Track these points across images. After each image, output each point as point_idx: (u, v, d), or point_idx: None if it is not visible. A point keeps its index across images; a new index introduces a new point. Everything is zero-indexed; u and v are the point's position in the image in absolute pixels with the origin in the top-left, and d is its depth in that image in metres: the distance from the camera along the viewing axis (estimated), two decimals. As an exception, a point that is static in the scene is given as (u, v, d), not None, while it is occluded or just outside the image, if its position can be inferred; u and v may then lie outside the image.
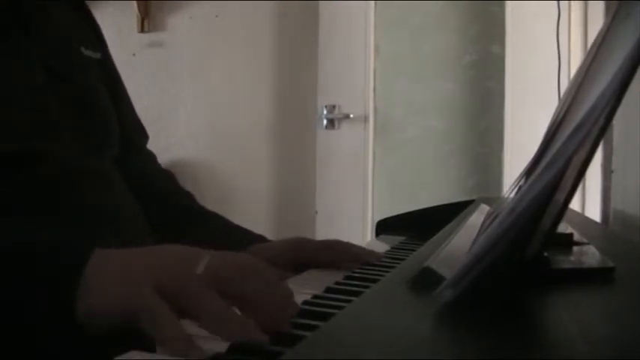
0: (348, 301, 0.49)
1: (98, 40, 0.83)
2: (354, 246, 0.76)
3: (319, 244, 0.77)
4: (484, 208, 0.84)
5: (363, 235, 2.13)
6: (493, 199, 0.97)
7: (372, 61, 2.22)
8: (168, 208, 0.84)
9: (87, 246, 0.47)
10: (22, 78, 0.63)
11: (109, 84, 0.81)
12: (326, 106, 2.24)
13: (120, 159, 0.78)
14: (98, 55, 0.79)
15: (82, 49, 0.75)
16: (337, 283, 0.60)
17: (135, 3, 2.49)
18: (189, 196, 0.89)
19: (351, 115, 2.21)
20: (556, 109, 0.63)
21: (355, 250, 0.75)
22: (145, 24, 2.53)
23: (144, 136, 0.91)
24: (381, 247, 0.84)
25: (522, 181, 0.63)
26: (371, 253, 0.75)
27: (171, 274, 0.44)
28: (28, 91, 0.63)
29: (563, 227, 0.60)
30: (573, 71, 1.79)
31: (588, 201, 1.82)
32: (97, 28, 0.84)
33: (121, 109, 0.82)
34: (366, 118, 2.21)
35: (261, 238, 0.81)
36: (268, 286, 0.46)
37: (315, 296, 0.53)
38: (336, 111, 2.23)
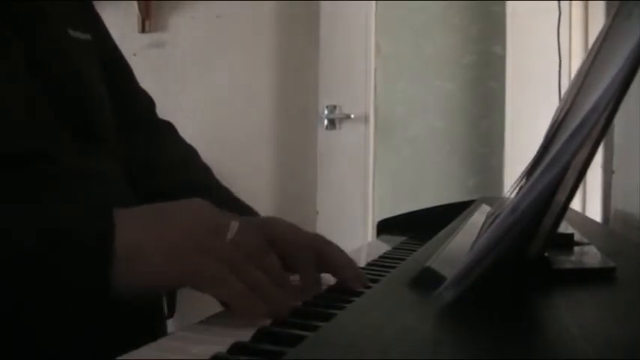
0: (349, 301, 0.49)
1: (89, 20, 0.79)
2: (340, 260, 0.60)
3: (296, 246, 0.59)
4: (485, 209, 0.84)
5: (364, 235, 2.13)
6: (494, 199, 0.97)
7: (373, 61, 2.22)
8: (169, 181, 0.81)
9: (107, 213, 0.47)
10: (7, 77, 0.62)
11: (105, 62, 0.78)
12: (327, 106, 2.24)
13: (128, 134, 0.77)
14: (88, 36, 0.75)
15: (70, 32, 0.72)
16: (337, 282, 0.60)
17: (136, 3, 2.49)
18: (199, 171, 0.86)
19: (352, 115, 2.21)
20: (557, 109, 0.63)
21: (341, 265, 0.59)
22: (146, 24, 2.53)
23: (151, 105, 0.89)
24: (382, 247, 0.84)
25: (523, 181, 0.63)
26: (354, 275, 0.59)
27: (209, 240, 0.47)
28: (14, 90, 0.62)
29: (564, 227, 0.59)
30: (574, 71, 1.79)
31: (589, 201, 1.81)
32: (89, 7, 0.81)
33: (120, 85, 0.81)
34: (366, 118, 2.21)
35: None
36: (276, 270, 0.49)
37: (316, 296, 0.53)
38: (337, 111, 2.23)
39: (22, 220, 0.46)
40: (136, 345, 0.40)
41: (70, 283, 0.44)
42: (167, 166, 0.82)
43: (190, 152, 0.88)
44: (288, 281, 0.51)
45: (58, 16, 0.72)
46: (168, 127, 0.90)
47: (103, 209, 0.48)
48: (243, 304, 0.45)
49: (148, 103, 0.89)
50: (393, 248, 0.84)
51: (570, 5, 1.96)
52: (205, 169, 0.86)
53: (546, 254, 0.45)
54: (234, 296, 0.46)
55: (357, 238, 2.08)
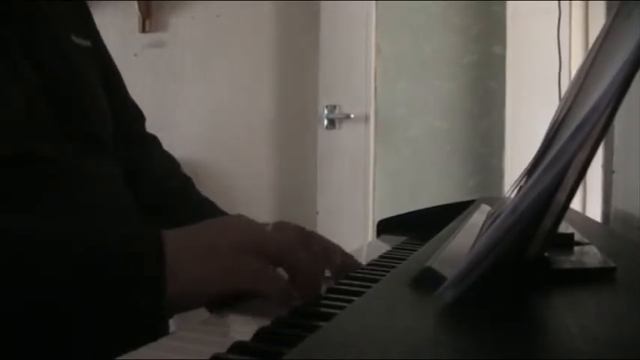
0: (349, 301, 0.49)
1: (89, 28, 0.81)
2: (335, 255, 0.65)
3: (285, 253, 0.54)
4: (485, 208, 0.84)
5: (364, 235, 2.13)
6: (494, 199, 0.97)
7: (373, 61, 2.22)
8: (161, 191, 0.84)
9: (154, 234, 0.49)
10: (8, 77, 0.62)
11: (102, 71, 0.79)
12: (327, 106, 2.24)
13: (119, 146, 0.78)
14: (88, 43, 0.77)
15: (73, 37, 0.74)
16: (338, 283, 0.60)
17: (136, 3, 2.49)
18: (186, 181, 0.89)
19: (352, 115, 2.21)
20: (557, 109, 0.63)
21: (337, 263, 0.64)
22: (147, 24, 2.53)
23: (141, 118, 0.91)
24: (382, 247, 0.84)
25: (523, 181, 0.63)
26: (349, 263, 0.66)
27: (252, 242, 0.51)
28: (14, 90, 0.62)
29: (564, 227, 0.59)
30: (574, 71, 1.79)
31: (589, 201, 1.82)
32: (88, 15, 0.83)
33: (115, 95, 0.82)
34: (367, 118, 2.21)
35: None
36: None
37: (316, 296, 0.53)
38: (337, 111, 2.23)
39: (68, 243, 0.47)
40: (136, 345, 0.40)
41: (123, 302, 0.46)
42: (156, 178, 0.85)
43: (174, 164, 0.91)
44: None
45: (60, 18, 0.73)
46: (155, 141, 0.93)
47: (150, 230, 0.50)
48: (285, 297, 0.50)
49: (139, 116, 0.92)
50: (393, 248, 0.84)
51: (570, 5, 1.96)
52: (188, 181, 0.89)
53: (546, 254, 0.45)
54: (275, 290, 0.50)
55: (357, 238, 2.09)
